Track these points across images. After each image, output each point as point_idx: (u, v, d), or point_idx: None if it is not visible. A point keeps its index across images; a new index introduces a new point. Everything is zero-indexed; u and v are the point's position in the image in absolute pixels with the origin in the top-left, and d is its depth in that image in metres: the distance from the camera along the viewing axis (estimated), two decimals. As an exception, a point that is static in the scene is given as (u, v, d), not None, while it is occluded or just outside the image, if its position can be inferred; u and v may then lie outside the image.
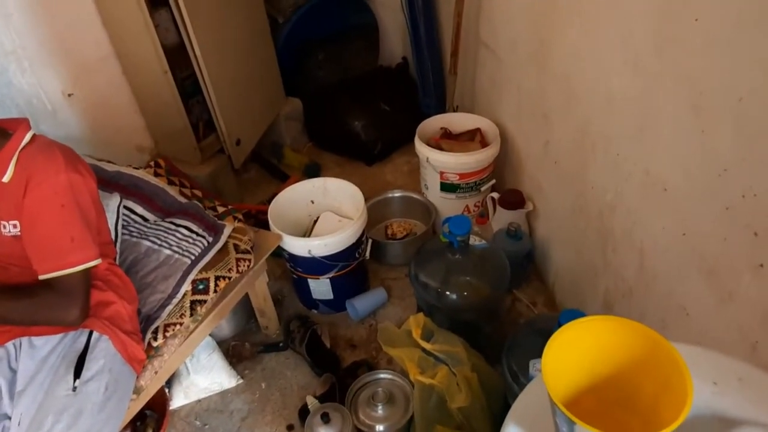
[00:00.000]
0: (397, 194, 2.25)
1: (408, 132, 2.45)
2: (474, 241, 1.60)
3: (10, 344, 1.20)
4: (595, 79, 1.39)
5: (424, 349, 1.46)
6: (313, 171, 2.52)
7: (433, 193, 2.13)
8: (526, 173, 1.99)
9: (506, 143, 2.09)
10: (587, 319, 0.65)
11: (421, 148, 2.04)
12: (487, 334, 1.71)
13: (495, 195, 2.00)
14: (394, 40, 2.97)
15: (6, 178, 1.13)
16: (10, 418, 1.12)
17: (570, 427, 0.55)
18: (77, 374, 1.14)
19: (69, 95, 1.96)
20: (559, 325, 1.25)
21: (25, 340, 1.20)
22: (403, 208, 2.26)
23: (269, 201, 2.03)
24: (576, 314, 1.25)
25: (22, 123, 1.19)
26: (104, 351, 1.20)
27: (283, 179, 2.51)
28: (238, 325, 1.89)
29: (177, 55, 2.13)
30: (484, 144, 2.09)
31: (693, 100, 1.03)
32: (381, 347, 1.77)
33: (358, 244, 1.83)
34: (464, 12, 2.18)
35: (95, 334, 1.21)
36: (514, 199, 1.94)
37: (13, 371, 1.18)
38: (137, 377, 1.29)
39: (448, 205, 2.10)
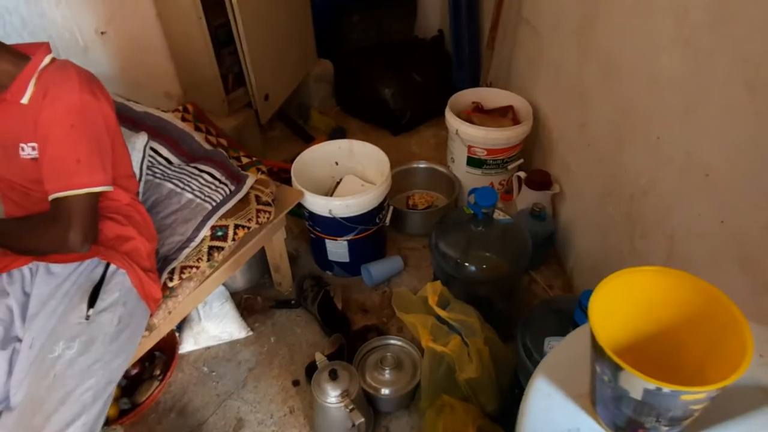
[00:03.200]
0: (421, 165, 2.21)
1: (438, 105, 2.41)
2: (498, 215, 1.57)
3: (25, 268, 1.21)
4: (641, 57, 1.34)
5: (438, 318, 1.44)
6: (338, 135, 2.50)
7: (459, 167, 2.10)
8: (556, 154, 1.94)
9: (538, 123, 2.04)
10: (640, 269, 0.61)
11: (452, 120, 2.00)
12: (500, 311, 1.69)
13: (522, 174, 1.96)
14: (432, 11, 2.90)
15: (25, 99, 1.12)
16: (20, 341, 1.13)
17: (615, 373, 0.52)
18: (91, 304, 1.15)
19: (102, 33, 1.94)
20: (581, 306, 1.24)
21: (42, 265, 1.20)
22: (426, 179, 2.23)
23: (292, 160, 2.02)
24: (598, 295, 1.22)
25: (42, 46, 1.18)
26: (120, 284, 1.20)
27: (308, 140, 2.48)
28: (251, 279, 1.89)
29: (212, 2, 2.11)
30: (515, 122, 2.04)
31: (749, 80, 0.98)
32: (392, 314, 1.77)
33: (379, 210, 1.81)
34: (508, -16, 2.11)
35: (112, 267, 1.21)
36: (541, 180, 1.90)
37: (27, 295, 1.18)
38: (151, 315, 1.29)
39: (472, 180, 2.07)
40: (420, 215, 2.07)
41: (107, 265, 1.21)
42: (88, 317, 1.12)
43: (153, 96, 2.13)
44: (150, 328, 1.31)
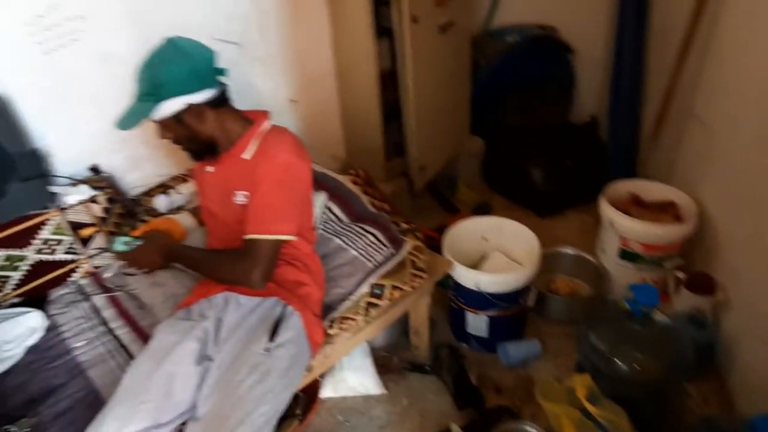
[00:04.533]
0: (569, 251, 2.18)
1: (587, 191, 2.38)
2: (657, 316, 1.49)
3: (221, 297, 1.39)
4: None
5: (583, 413, 1.38)
6: (483, 210, 2.56)
7: (610, 258, 2.03)
8: (723, 259, 1.81)
9: (703, 223, 1.92)
10: None
11: (607, 210, 1.97)
12: (648, 420, 1.56)
13: (681, 274, 1.85)
14: (588, 97, 2.93)
15: (247, 155, 1.35)
16: (211, 360, 1.29)
17: None
18: (270, 338, 1.28)
19: (292, 101, 2.26)
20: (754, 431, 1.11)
21: (233, 296, 1.38)
22: (571, 266, 2.18)
23: (437, 229, 2.11)
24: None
25: (264, 114, 1.42)
26: (295, 325, 1.33)
27: (453, 212, 2.58)
28: (389, 339, 1.97)
29: (385, 80, 2.34)
30: (677, 219, 1.95)
31: None
32: (527, 398, 1.73)
33: (524, 290, 1.81)
34: (679, 80, 2.09)
35: (289, 308, 1.35)
36: (703, 284, 1.77)
37: (219, 321, 1.36)
38: (311, 357, 1.40)
39: (623, 274, 1.98)
40: (564, 301, 2.02)
41: (285, 306, 1.35)
42: (267, 350, 1.25)
43: (321, 157, 2.39)
44: (308, 368, 1.42)
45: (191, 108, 1.29)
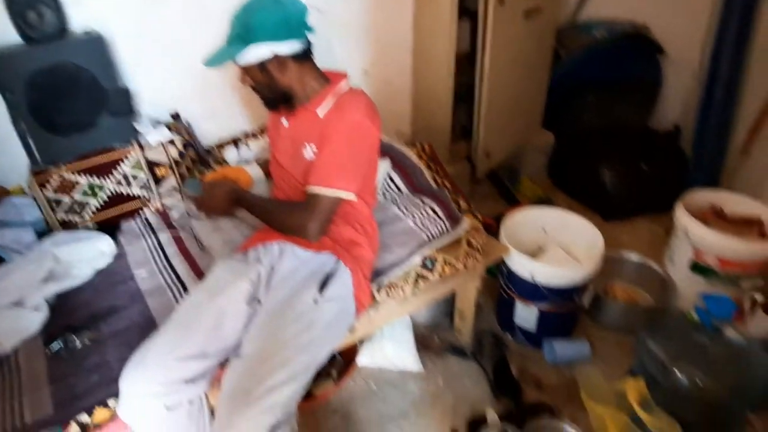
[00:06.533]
0: (633, 258, 2.06)
1: (661, 200, 2.26)
2: (730, 332, 1.39)
3: (277, 245, 1.41)
4: None
5: (633, 419, 1.31)
6: (544, 205, 2.47)
7: (678, 270, 1.91)
8: (811, 286, 1.65)
9: (792, 245, 1.76)
10: None
11: (683, 217, 1.84)
12: (702, 443, 1.45)
13: (759, 297, 1.70)
14: (672, 103, 2.76)
15: (321, 112, 1.36)
16: (260, 303, 1.32)
17: None
18: (320, 291, 1.30)
19: (365, 72, 2.27)
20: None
21: (289, 246, 1.39)
22: (634, 273, 2.06)
23: (495, 218, 2.05)
24: None
25: (343, 75, 1.43)
26: (345, 282, 1.34)
27: (512, 203, 2.51)
28: (433, 317, 1.94)
29: (460, 62, 2.31)
30: (762, 236, 1.80)
31: None
32: (568, 399, 1.66)
33: (581, 288, 1.73)
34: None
35: (341, 265, 1.36)
36: (784, 309, 1.63)
37: (273, 268, 1.38)
38: (356, 317, 1.41)
39: (692, 288, 1.85)
40: (621, 308, 1.91)
41: (338, 262, 1.36)
42: (316, 301, 1.26)
43: (387, 131, 2.38)
44: (351, 329, 1.42)
45: (276, 57, 1.31)
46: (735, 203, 1.94)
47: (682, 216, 1.86)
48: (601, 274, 1.96)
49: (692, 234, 1.81)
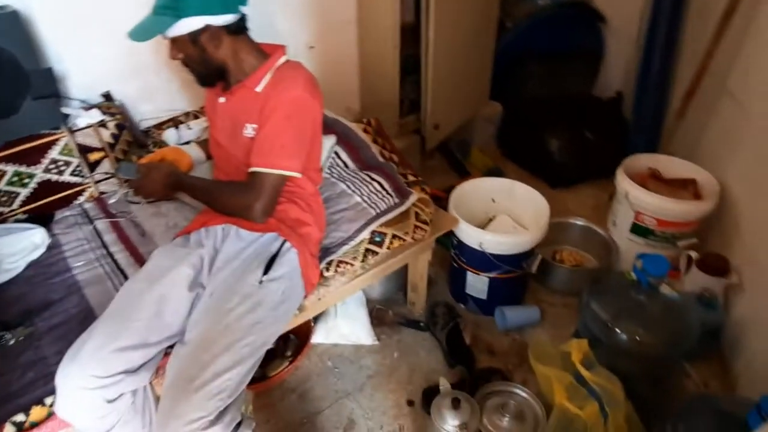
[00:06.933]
0: (578, 222, 2.13)
1: (604, 167, 2.31)
2: (665, 289, 1.45)
3: (220, 228, 1.37)
4: None
5: (576, 378, 1.36)
6: (494, 175, 2.49)
7: (620, 232, 1.98)
8: (741, 241, 1.74)
9: (724, 203, 1.85)
10: None
11: (623, 182, 1.91)
12: (643, 395, 1.53)
13: (694, 254, 1.79)
14: (615, 71, 2.83)
15: (259, 88, 1.31)
16: (203, 288, 1.28)
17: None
18: (265, 272, 1.27)
19: (311, 47, 2.21)
20: (759, 411, 1.08)
21: (233, 228, 1.36)
22: (579, 238, 2.13)
23: (446, 190, 2.07)
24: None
25: (280, 48, 1.38)
26: (290, 261, 1.32)
27: (463, 175, 2.53)
28: (386, 292, 1.96)
29: (406, 35, 2.27)
30: (697, 197, 1.88)
31: None
32: (519, 363, 1.71)
33: (528, 255, 1.77)
34: (715, 54, 1.99)
35: (287, 244, 1.34)
36: (717, 265, 1.72)
37: (216, 251, 1.35)
38: (305, 296, 1.40)
39: (633, 249, 1.93)
40: (567, 272, 1.98)
41: (283, 242, 1.34)
42: (261, 282, 1.24)
43: (336, 108, 2.34)
44: (301, 308, 1.41)
45: (209, 30, 1.25)
46: (671, 166, 2.02)
47: (622, 180, 1.92)
48: (548, 241, 2.01)
49: (632, 197, 1.87)
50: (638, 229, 1.91)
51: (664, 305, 1.47)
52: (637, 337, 1.44)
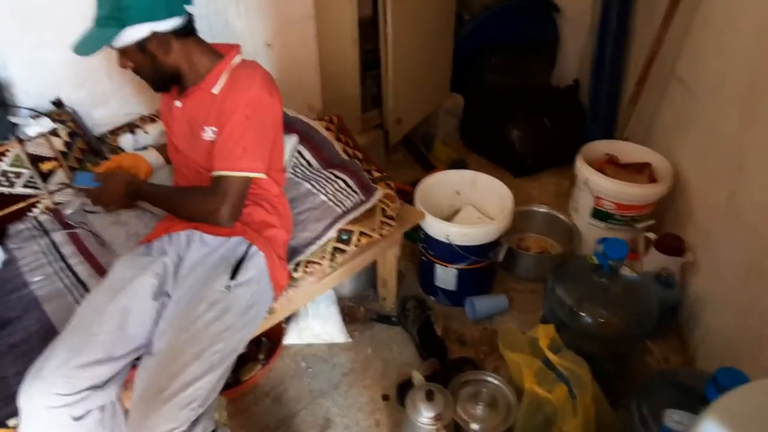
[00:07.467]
0: (541, 209, 2.18)
1: (564, 153, 2.37)
2: (625, 271, 1.50)
3: (183, 234, 1.34)
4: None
5: (545, 362, 1.40)
6: (458, 167, 2.52)
7: (582, 218, 2.04)
8: (694, 221, 1.82)
9: (678, 185, 1.93)
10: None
11: (583, 168, 1.96)
12: (608, 374, 1.58)
13: (651, 235, 1.86)
14: (571, 60, 2.89)
15: (216, 90, 1.29)
16: (169, 296, 1.26)
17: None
18: (232, 276, 1.26)
19: (268, 45, 2.17)
20: (716, 383, 1.13)
21: (197, 234, 1.33)
22: (543, 225, 2.19)
23: (411, 184, 2.08)
24: (737, 374, 1.12)
25: (235, 47, 1.36)
26: (257, 265, 1.31)
27: (427, 168, 2.55)
28: (357, 289, 1.96)
29: (365, 29, 2.27)
30: (652, 180, 1.95)
31: None
32: (490, 351, 1.75)
33: (494, 245, 1.81)
34: (664, 41, 2.05)
35: (253, 248, 1.32)
36: (673, 245, 1.79)
37: (180, 258, 1.32)
38: (274, 299, 1.39)
39: (594, 233, 1.99)
40: (533, 259, 2.03)
41: (249, 246, 1.32)
42: (228, 287, 1.22)
43: (297, 106, 2.32)
44: (271, 311, 1.40)
45: (156, 36, 1.22)
46: (627, 151, 2.08)
47: (581, 167, 1.97)
48: (513, 229, 2.05)
49: (591, 183, 1.93)
50: (598, 214, 1.97)
51: (625, 287, 1.52)
52: (601, 319, 1.48)
